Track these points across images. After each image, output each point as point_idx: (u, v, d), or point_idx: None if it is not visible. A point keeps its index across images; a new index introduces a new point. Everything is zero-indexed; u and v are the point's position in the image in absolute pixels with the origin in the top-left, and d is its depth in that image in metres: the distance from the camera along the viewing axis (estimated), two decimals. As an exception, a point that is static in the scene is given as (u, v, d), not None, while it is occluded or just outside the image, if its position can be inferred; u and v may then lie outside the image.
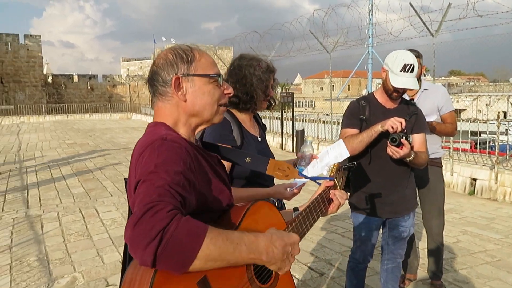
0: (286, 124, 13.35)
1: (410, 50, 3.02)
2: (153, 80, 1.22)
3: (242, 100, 1.99)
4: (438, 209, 3.35)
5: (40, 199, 7.09)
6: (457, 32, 10.10)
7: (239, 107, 2.02)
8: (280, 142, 13.43)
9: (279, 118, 13.61)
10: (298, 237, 1.15)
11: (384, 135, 2.38)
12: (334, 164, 1.65)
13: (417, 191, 3.27)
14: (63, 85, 42.76)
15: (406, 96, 3.10)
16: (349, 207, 2.69)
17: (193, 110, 1.21)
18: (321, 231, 5.17)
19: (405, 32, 11.28)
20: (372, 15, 19.70)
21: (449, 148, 7.65)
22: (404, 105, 2.61)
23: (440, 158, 3.41)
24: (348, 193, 1.65)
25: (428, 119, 3.05)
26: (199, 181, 1.12)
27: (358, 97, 2.68)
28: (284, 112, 13.68)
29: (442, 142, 3.40)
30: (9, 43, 38.36)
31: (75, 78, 43.66)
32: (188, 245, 0.89)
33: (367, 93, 2.87)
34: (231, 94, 1.30)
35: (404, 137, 2.29)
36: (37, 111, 32.39)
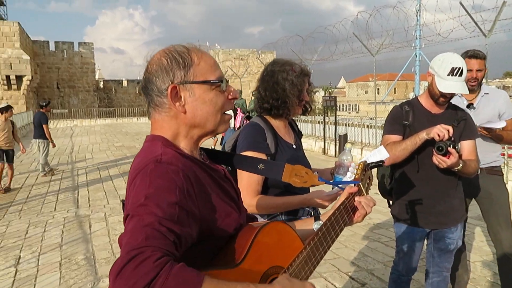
0: (329, 128, 13.14)
1: (474, 52, 2.89)
2: (147, 89, 1.07)
3: (274, 106, 1.95)
4: (506, 219, 3.08)
5: (89, 200, 7.42)
6: (513, 32, 9.52)
7: (272, 113, 1.98)
8: (322, 147, 13.24)
9: (322, 122, 13.43)
10: (311, 286, 1.01)
11: (430, 143, 2.26)
12: (360, 163, 1.47)
13: (474, 202, 3.10)
14: (113, 89, 44.66)
15: (464, 101, 2.96)
16: (396, 214, 2.59)
17: (194, 121, 1.07)
18: (363, 239, 5.02)
19: (455, 32, 10.82)
20: (419, 15, 19.08)
21: (504, 154, 7.20)
22: (452, 110, 2.47)
23: (500, 166, 3.19)
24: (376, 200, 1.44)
25: (494, 125, 2.88)
26: (200, 207, 0.97)
27: (403, 101, 2.57)
28: (327, 116, 13.49)
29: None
30: (65, 50, 40.61)
31: (124, 83, 45.45)
32: None
33: (414, 96, 2.74)
34: (237, 98, 1.15)
35: (451, 146, 2.17)
36: (89, 114, 34.08)
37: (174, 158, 0.99)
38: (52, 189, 8.43)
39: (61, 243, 5.20)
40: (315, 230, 1.25)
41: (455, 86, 2.25)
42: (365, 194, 1.39)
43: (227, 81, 1.11)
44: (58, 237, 5.44)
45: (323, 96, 13.66)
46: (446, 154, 2.17)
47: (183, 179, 0.94)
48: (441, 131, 2.18)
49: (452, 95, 2.33)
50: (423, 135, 2.26)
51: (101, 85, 44.29)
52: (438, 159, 2.21)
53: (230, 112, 1.16)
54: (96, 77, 45.18)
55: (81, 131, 24.08)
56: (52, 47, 40.23)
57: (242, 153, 1.82)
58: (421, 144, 2.29)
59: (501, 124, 2.88)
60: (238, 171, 1.79)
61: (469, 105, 2.94)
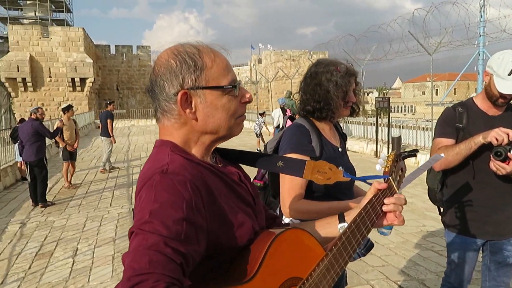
0: (382, 130, 12.73)
1: None
2: (154, 93, 0.99)
3: (317, 109, 1.88)
4: None
5: (142, 197, 7.71)
6: None
7: (315, 116, 1.92)
8: (375, 149, 12.84)
9: (374, 124, 13.04)
10: None
11: (487, 147, 2.09)
12: (390, 153, 1.32)
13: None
14: (168, 91, 46.20)
15: None
16: (447, 222, 2.44)
17: (205, 128, 0.99)
18: (415, 247, 4.79)
19: (523, 28, 10.04)
20: (484, 11, 17.94)
21: None
22: (510, 112, 2.28)
23: None
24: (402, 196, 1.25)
25: None
26: (209, 219, 0.90)
27: (455, 103, 2.41)
28: (380, 117, 13.07)
29: None
30: (124, 54, 42.70)
31: (179, 85, 46.88)
32: None
33: None
34: (250, 101, 1.06)
35: (511, 151, 2.00)
36: (145, 115, 35.55)
37: (181, 167, 0.92)
38: (109, 185, 8.88)
39: (115, 237, 5.45)
40: (339, 231, 1.18)
41: None
42: (396, 190, 1.24)
43: (240, 83, 1.03)
44: (112, 231, 5.70)
45: (376, 97, 13.27)
46: (505, 159, 2.01)
47: (191, 191, 0.87)
48: (499, 134, 2.01)
49: (510, 99, 2.15)
50: (479, 139, 2.10)
51: (157, 86, 45.97)
52: (496, 165, 2.05)
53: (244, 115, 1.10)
54: (153, 78, 46.90)
55: (138, 130, 25.16)
56: (112, 50, 42.47)
57: (285, 155, 1.76)
58: (476, 148, 2.13)
59: None
60: (280, 174, 1.76)
61: None
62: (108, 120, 10.35)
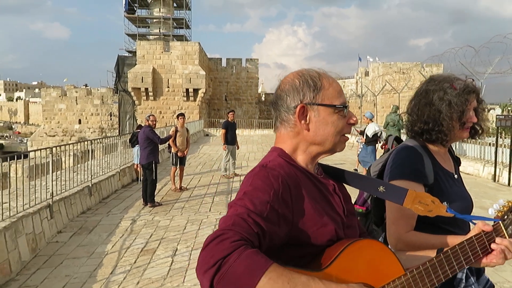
0: (503, 152, 11.34)
1: None
2: (277, 105, 1.19)
3: (425, 130, 1.69)
4: None
5: (239, 205, 7.96)
6: None
7: (423, 138, 1.73)
8: (493, 173, 11.48)
9: (493, 144, 11.68)
10: None
11: None
12: (509, 201, 1.24)
13: None
14: (272, 102, 47.35)
15: None
16: None
17: (314, 139, 1.16)
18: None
19: None
20: None
21: None
22: None
23: None
24: None
25: None
26: (295, 212, 1.06)
27: None
28: (501, 137, 11.66)
29: None
30: (234, 66, 45.00)
31: (283, 96, 47.74)
32: (243, 280, 0.86)
33: None
34: (356, 123, 1.21)
35: None
36: (250, 125, 36.88)
37: (279, 165, 1.11)
38: (210, 191, 9.36)
39: (211, 242, 5.69)
40: None
41: None
42: (506, 236, 1.19)
43: (348, 107, 1.19)
44: (209, 236, 5.97)
45: (497, 115, 11.89)
46: None
47: (281, 184, 1.04)
48: None
49: None
50: None
51: (262, 98, 47.50)
52: None
53: (348, 135, 1.22)
54: (259, 90, 48.66)
55: (241, 139, 26.04)
56: (223, 63, 45.07)
57: (393, 182, 1.59)
58: None
59: None
60: (387, 201, 1.62)
61: None
62: (222, 130, 11.03)
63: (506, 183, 10.68)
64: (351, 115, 1.19)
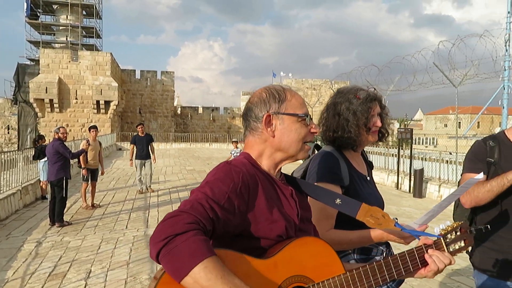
0: (403, 162, 12.47)
1: None
2: (247, 116, 1.30)
3: (336, 137, 1.84)
4: None
5: (158, 220, 7.64)
6: None
7: (335, 145, 1.87)
8: (396, 181, 12.55)
9: (396, 155, 12.79)
10: None
11: None
12: (455, 222, 1.38)
13: None
14: (189, 116, 46.92)
15: None
16: (476, 264, 2.27)
17: (279, 145, 1.27)
18: (439, 286, 4.54)
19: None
20: (509, 45, 17.73)
21: None
22: None
23: None
24: (454, 257, 1.32)
25: None
26: (249, 207, 1.15)
27: (485, 136, 2.28)
28: (402, 149, 12.82)
29: None
30: (148, 78, 43.78)
31: (200, 110, 47.58)
32: (184, 261, 0.94)
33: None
34: (317, 133, 1.33)
35: None
36: (166, 139, 36.04)
37: (242, 164, 1.21)
38: (126, 207, 8.87)
39: (129, 261, 5.36)
40: None
41: None
42: (445, 250, 1.34)
43: (311, 118, 1.30)
44: (127, 255, 5.63)
45: (398, 128, 13.07)
46: None
47: (241, 180, 1.14)
48: None
49: None
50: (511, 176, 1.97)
51: (178, 111, 46.79)
52: None
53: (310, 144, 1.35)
54: (175, 103, 47.86)
55: (157, 154, 25.28)
56: (137, 75, 43.62)
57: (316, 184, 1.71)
58: (509, 185, 1.99)
59: None
60: (310, 202, 1.69)
61: None
62: (130, 145, 10.61)
63: (407, 190, 11.72)
64: (313, 124, 1.31)
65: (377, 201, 1.83)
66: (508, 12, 24.18)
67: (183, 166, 18.31)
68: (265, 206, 1.18)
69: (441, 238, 1.31)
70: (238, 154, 6.54)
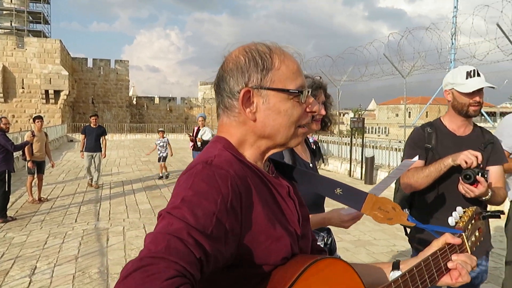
0: (356, 150, 12.87)
1: None
2: (219, 88, 0.97)
3: None
4: None
5: (109, 213, 7.46)
6: (553, 55, 9.09)
7: None
8: (348, 169, 12.94)
9: (348, 144, 13.17)
10: None
11: (456, 170, 2.07)
12: (469, 209, 1.21)
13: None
14: (145, 106, 45.82)
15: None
16: (415, 244, 2.39)
17: (263, 132, 0.94)
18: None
19: (491, 55, 10.44)
20: (455, 38, 18.64)
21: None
22: (478, 132, 2.28)
23: None
24: (475, 258, 1.11)
25: None
26: (244, 224, 0.83)
27: (423, 123, 2.40)
28: (354, 137, 13.22)
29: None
30: (101, 67, 42.19)
31: (156, 100, 46.58)
32: None
33: None
34: (317, 112, 0.99)
35: (480, 174, 1.96)
36: (120, 129, 35.03)
37: (227, 162, 0.87)
38: (76, 200, 8.56)
39: (77, 255, 5.20)
40: (390, 278, 1.06)
41: (480, 82, 2.11)
42: (468, 250, 1.12)
43: (308, 92, 0.96)
44: (75, 249, 5.45)
45: (351, 118, 13.44)
46: (474, 182, 1.97)
47: (230, 188, 0.82)
48: (468, 157, 1.98)
49: (481, 102, 2.15)
50: (448, 162, 2.07)
51: (134, 101, 45.55)
52: (465, 188, 2.00)
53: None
54: (130, 93, 46.54)
55: (111, 145, 24.62)
56: (90, 63, 41.89)
57: None
58: (446, 170, 2.10)
59: None
60: None
61: None
62: (81, 135, 10.19)
63: (359, 177, 12.12)
64: (310, 101, 0.97)
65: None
66: (455, 7, 25.35)
67: (138, 157, 17.89)
68: (264, 219, 0.87)
69: (463, 235, 1.13)
70: (164, 144, 6.27)
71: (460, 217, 1.18)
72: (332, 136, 15.42)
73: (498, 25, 8.86)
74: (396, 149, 11.52)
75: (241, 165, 0.90)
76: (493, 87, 2.16)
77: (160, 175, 11.52)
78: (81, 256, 5.16)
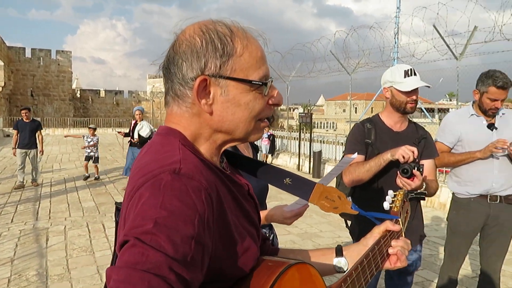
0: (304, 145, 13.15)
1: (503, 82, 2.70)
2: (169, 72, 0.83)
3: None
4: (505, 251, 2.97)
5: (50, 212, 7.08)
6: (486, 56, 9.79)
7: None
8: (297, 163, 13.20)
9: (297, 138, 13.43)
10: None
11: (394, 164, 2.17)
12: (399, 192, 1.27)
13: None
14: (90, 99, 43.95)
15: (483, 121, 2.87)
16: (356, 236, 2.48)
17: (220, 126, 0.84)
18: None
19: (428, 54, 11.04)
20: (398, 38, 19.53)
21: None
22: (413, 127, 2.41)
23: None
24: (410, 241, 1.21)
25: None
26: (216, 240, 0.75)
27: (363, 119, 2.50)
28: (303, 132, 13.50)
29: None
30: (41, 58, 39.87)
31: (102, 93, 44.82)
32: None
33: None
34: (279, 104, 0.90)
35: (416, 168, 2.08)
36: (63, 124, 33.33)
37: (196, 169, 0.76)
38: (12, 199, 8.04)
39: (13, 257, 4.89)
40: (334, 266, 1.10)
41: (416, 82, 2.23)
42: (402, 234, 1.17)
43: (272, 81, 0.86)
44: (11, 251, 5.12)
45: (299, 113, 13.70)
46: (411, 176, 2.08)
47: (205, 203, 0.72)
48: (406, 152, 2.09)
49: (417, 99, 2.28)
50: (387, 156, 2.17)
51: (77, 94, 43.51)
52: (403, 182, 2.11)
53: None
54: (74, 86, 44.41)
55: (53, 140, 23.43)
56: (28, 53, 39.44)
57: None
58: (385, 165, 2.20)
59: None
60: None
61: (490, 125, 2.85)
62: (13, 130, 9.40)
63: (307, 171, 12.41)
64: (274, 93, 0.88)
65: (257, 183, 1.87)
66: (397, 8, 26.54)
67: (82, 153, 17.12)
68: (233, 230, 0.80)
69: (399, 220, 1.19)
70: (94, 143, 5.98)
71: (393, 201, 1.24)
72: (282, 131, 15.65)
73: (434, 26, 9.38)
74: (342, 143, 11.89)
75: (206, 169, 0.80)
76: (429, 86, 2.29)
77: (86, 175, 10.28)
78: (17, 258, 4.86)
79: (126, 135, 9.32)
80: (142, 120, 9.07)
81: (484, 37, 9.09)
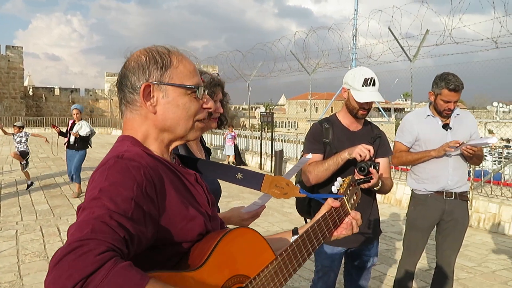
0: (266, 144, 13.23)
1: (455, 85, 2.77)
2: (122, 85, 1.06)
3: None
4: (459, 245, 3.10)
5: (0, 216, 6.72)
6: (438, 58, 10.25)
7: None
8: (259, 162, 13.28)
9: (259, 137, 13.50)
10: None
11: (352, 163, 2.23)
12: (346, 178, 1.44)
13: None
14: (43, 97, 42.03)
15: (439, 121, 2.97)
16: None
17: (164, 124, 1.04)
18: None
19: (384, 56, 11.40)
20: (356, 39, 20.07)
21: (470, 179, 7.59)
22: (368, 127, 2.49)
23: (467, 191, 3.14)
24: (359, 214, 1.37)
25: (488, 141, 2.85)
26: (161, 208, 0.93)
27: (321, 119, 2.55)
28: (264, 131, 13.59)
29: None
30: (-11, 53, 37.68)
31: (57, 91, 43.01)
32: None
33: None
34: (212, 109, 1.12)
35: (372, 166, 2.16)
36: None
37: (138, 155, 0.97)
38: (-42, 203, 7.56)
39: (-42, 265, 4.60)
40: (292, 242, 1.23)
41: (372, 95, 2.28)
42: (349, 210, 1.35)
43: (205, 91, 1.09)
44: (-44, 258, 4.81)
45: (261, 112, 13.78)
46: (368, 174, 2.15)
47: (144, 177, 0.90)
48: (362, 151, 2.16)
49: (370, 107, 2.35)
50: (345, 155, 2.23)
51: (30, 92, 41.52)
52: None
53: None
54: (26, 83, 42.34)
55: (2, 140, 22.22)
56: (-26, 48, 37.18)
57: None
58: (343, 163, 2.26)
59: (493, 140, 2.86)
60: None
61: (445, 126, 2.95)
62: None
63: (269, 170, 12.51)
64: (207, 99, 1.10)
65: (214, 184, 1.84)
66: (355, 10, 27.30)
67: (35, 154, 16.37)
68: (178, 203, 0.98)
69: (344, 198, 1.34)
70: (21, 140, 5.77)
71: (341, 185, 1.40)
72: (244, 130, 15.66)
73: (389, 29, 9.71)
74: (303, 142, 12.09)
75: (151, 158, 0.99)
76: (382, 101, 2.36)
77: (29, 182, 9.06)
78: (-37, 266, 4.58)
79: (61, 133, 8.63)
80: (81, 119, 8.43)
81: (435, 40, 9.52)
